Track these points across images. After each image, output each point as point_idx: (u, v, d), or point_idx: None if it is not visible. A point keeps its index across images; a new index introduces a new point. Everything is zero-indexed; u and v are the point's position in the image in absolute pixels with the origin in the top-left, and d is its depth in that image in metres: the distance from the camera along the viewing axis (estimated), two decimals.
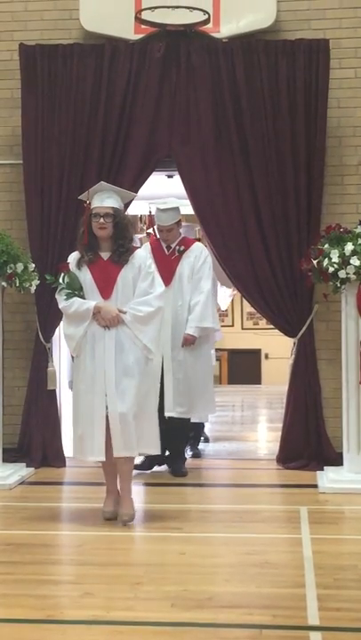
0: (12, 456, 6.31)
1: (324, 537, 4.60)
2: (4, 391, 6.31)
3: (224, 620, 3.37)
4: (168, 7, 6.40)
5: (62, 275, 4.92)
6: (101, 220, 4.88)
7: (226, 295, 8.44)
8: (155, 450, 4.97)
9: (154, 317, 4.88)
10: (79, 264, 4.94)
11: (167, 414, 5.97)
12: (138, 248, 5.00)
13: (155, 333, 4.90)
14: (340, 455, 6.01)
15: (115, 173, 6.52)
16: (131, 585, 3.77)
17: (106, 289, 4.88)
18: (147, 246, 6.27)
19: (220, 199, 6.53)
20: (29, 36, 6.78)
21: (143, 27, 6.53)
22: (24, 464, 6.28)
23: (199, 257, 6.20)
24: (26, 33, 6.81)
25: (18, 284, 5.95)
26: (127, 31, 6.60)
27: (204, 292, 6.12)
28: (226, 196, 6.52)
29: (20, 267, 5.91)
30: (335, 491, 5.58)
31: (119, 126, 6.54)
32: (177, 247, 6.21)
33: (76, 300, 4.86)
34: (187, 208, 6.68)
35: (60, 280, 4.91)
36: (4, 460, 6.13)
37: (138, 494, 5.60)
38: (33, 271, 6.15)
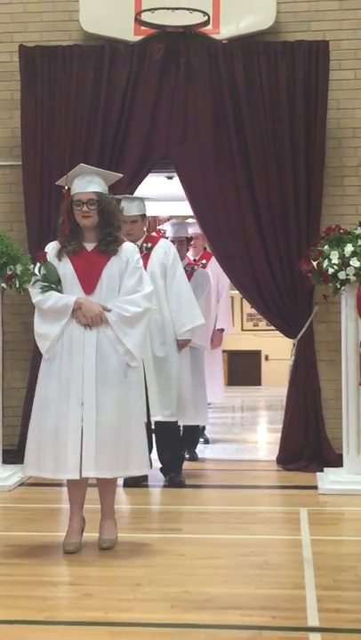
0: (11, 457, 6.30)
1: (324, 538, 4.59)
2: (4, 392, 6.31)
3: (224, 621, 3.37)
4: (168, 9, 6.40)
5: (38, 265, 4.39)
6: (84, 207, 4.31)
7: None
8: (140, 470, 4.44)
9: (141, 319, 4.33)
10: (59, 254, 4.38)
11: (153, 419, 5.73)
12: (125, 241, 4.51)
13: (140, 338, 4.35)
14: (340, 456, 6.01)
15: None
16: (130, 586, 3.77)
17: (89, 283, 4.31)
18: None
19: (219, 200, 6.53)
20: (29, 37, 6.78)
21: (143, 28, 6.53)
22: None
23: (168, 252, 5.84)
24: (25, 34, 6.82)
25: (17, 286, 5.94)
26: (127, 32, 6.60)
27: (184, 290, 5.83)
28: (225, 197, 6.52)
29: (19, 268, 5.91)
30: (335, 492, 5.57)
31: (118, 127, 6.55)
32: (144, 244, 5.81)
33: (53, 294, 4.30)
34: (185, 209, 6.68)
35: (36, 271, 4.38)
36: (4, 462, 6.13)
37: (137, 495, 5.60)
38: (32, 267, 6.13)
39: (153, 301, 4.53)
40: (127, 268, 4.35)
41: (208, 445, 7.61)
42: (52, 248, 4.43)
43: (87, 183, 4.35)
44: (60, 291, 4.33)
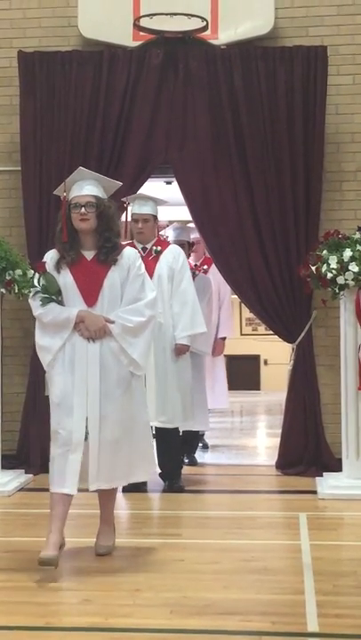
0: (10, 462, 6.30)
1: (324, 543, 4.59)
2: (3, 397, 6.31)
3: (223, 626, 3.36)
4: (166, 14, 6.41)
5: (37, 276, 4.25)
6: (82, 209, 4.16)
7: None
8: (146, 475, 4.55)
9: (145, 328, 4.22)
10: (58, 265, 4.22)
11: (150, 424, 5.60)
12: (126, 245, 4.41)
13: (145, 347, 4.25)
14: (340, 461, 6.01)
15: (111, 178, 6.50)
16: (130, 592, 3.76)
17: (90, 294, 4.18)
18: None
19: (217, 205, 6.54)
20: (28, 42, 6.80)
21: (141, 34, 6.55)
22: (23, 470, 6.27)
23: (177, 257, 5.87)
24: (24, 40, 6.83)
25: (17, 291, 5.95)
26: (125, 38, 6.61)
27: (190, 297, 5.84)
28: (224, 202, 6.53)
29: (18, 273, 5.91)
30: (334, 497, 5.57)
31: (117, 132, 6.56)
32: (153, 248, 5.87)
33: (54, 306, 4.18)
34: (184, 213, 6.68)
35: (35, 282, 4.25)
36: (3, 467, 6.12)
37: (137, 500, 5.60)
38: (32, 278, 6.13)
39: (157, 307, 4.43)
40: (128, 275, 4.22)
41: (207, 450, 7.61)
42: (50, 258, 4.28)
43: (85, 186, 4.23)
44: (60, 302, 4.20)
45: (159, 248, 5.91)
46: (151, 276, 5.76)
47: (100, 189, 4.27)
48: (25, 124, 6.65)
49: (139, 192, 6.08)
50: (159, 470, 5.94)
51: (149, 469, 4.44)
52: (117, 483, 4.28)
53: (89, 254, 4.23)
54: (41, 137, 6.62)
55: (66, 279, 4.21)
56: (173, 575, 4.01)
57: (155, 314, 4.35)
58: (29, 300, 4.32)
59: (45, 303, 4.18)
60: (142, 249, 5.89)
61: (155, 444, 5.89)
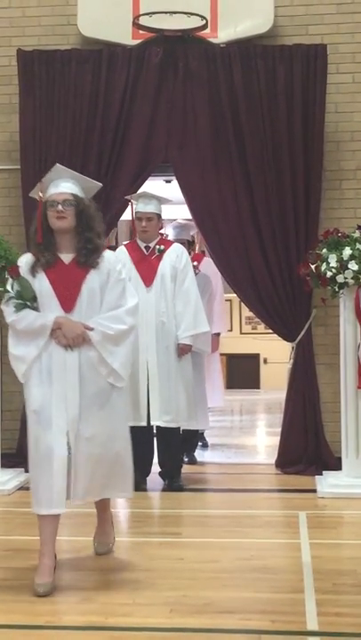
0: (10, 461, 6.30)
1: (323, 542, 4.59)
2: (3, 396, 6.31)
3: (223, 625, 3.37)
4: (166, 13, 6.41)
5: (10, 281, 3.95)
6: (59, 207, 3.87)
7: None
8: (123, 493, 4.22)
9: (126, 337, 3.95)
10: (33, 269, 3.92)
11: (153, 423, 5.72)
12: (112, 248, 4.24)
13: (127, 357, 3.98)
14: (339, 460, 6.01)
15: (111, 178, 6.54)
16: (129, 590, 3.77)
17: (68, 299, 3.88)
18: (122, 249, 5.99)
19: (217, 204, 6.54)
20: (27, 41, 6.79)
21: (141, 32, 6.55)
22: (23, 469, 6.27)
23: (181, 256, 5.84)
24: (24, 38, 6.83)
25: None
26: (125, 37, 6.61)
27: (192, 296, 5.83)
28: (223, 201, 6.53)
29: None
30: (334, 495, 5.57)
31: (116, 131, 6.55)
32: (157, 247, 5.86)
33: (29, 312, 3.87)
34: (183, 212, 6.68)
35: (9, 287, 3.93)
36: (3, 466, 6.13)
37: (136, 499, 5.59)
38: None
39: (137, 315, 4.14)
40: (109, 280, 3.94)
41: (207, 449, 7.61)
42: (24, 262, 3.98)
43: (63, 185, 3.95)
44: (35, 308, 3.90)
45: (162, 247, 5.90)
46: (154, 274, 5.81)
47: (79, 189, 3.99)
48: (24, 123, 6.64)
49: (143, 190, 6.07)
50: (159, 469, 5.96)
51: (127, 488, 4.12)
52: (92, 497, 4.04)
53: (67, 257, 3.94)
54: (40, 136, 6.61)
55: (42, 283, 3.91)
56: (173, 574, 4.01)
57: (136, 323, 4.07)
58: (2, 306, 4.01)
59: (19, 309, 3.89)
60: (145, 247, 5.90)
61: (155, 442, 5.92)
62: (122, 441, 4.04)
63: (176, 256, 5.87)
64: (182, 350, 5.81)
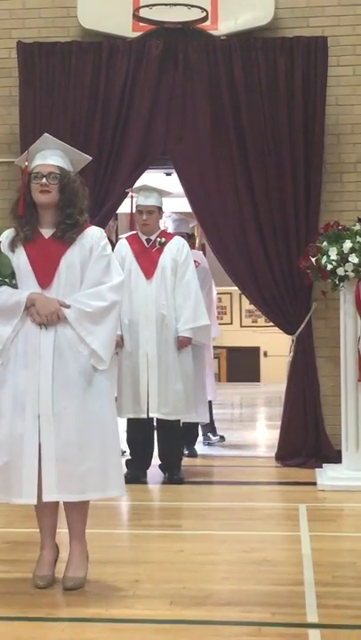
0: None
1: (323, 534, 4.60)
2: None
3: (223, 617, 3.37)
4: (166, 5, 6.40)
5: None
6: (43, 180, 3.66)
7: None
8: (115, 491, 3.72)
9: (107, 315, 3.67)
10: (13, 244, 3.71)
11: (151, 415, 5.72)
12: (93, 226, 3.83)
13: (108, 337, 3.67)
14: (339, 452, 6.02)
15: (111, 170, 6.54)
16: (129, 583, 3.77)
17: (45, 275, 3.66)
18: (123, 242, 6.00)
19: (217, 196, 6.53)
20: (27, 33, 6.78)
21: (141, 24, 6.54)
22: None
23: (181, 249, 5.85)
24: (24, 30, 6.82)
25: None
26: (125, 29, 6.60)
27: (193, 289, 5.83)
28: (223, 194, 6.52)
29: None
30: (334, 488, 5.58)
31: (116, 123, 6.55)
32: (158, 239, 5.87)
33: (5, 289, 3.65)
34: (183, 205, 6.67)
35: None
36: None
37: (136, 492, 5.61)
38: None
39: (122, 293, 3.84)
40: (91, 256, 3.69)
41: (212, 445, 7.47)
42: (5, 237, 3.77)
43: (50, 156, 3.74)
44: (14, 285, 3.69)
45: (163, 240, 5.90)
46: (155, 267, 5.81)
47: (67, 161, 3.78)
48: (24, 115, 6.63)
49: (143, 183, 6.07)
50: (159, 462, 5.96)
51: (117, 485, 3.70)
52: (78, 496, 3.61)
53: (47, 232, 3.72)
54: (40, 128, 6.57)
55: (20, 258, 3.69)
56: (173, 566, 4.02)
57: (119, 299, 3.78)
58: None
59: None
60: (146, 240, 5.90)
61: (155, 435, 5.92)
62: (106, 430, 3.67)
63: (177, 249, 5.86)
64: (182, 343, 5.80)
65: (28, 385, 3.59)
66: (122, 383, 5.84)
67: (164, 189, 5.98)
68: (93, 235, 3.74)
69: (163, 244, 5.87)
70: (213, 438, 7.51)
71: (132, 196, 5.95)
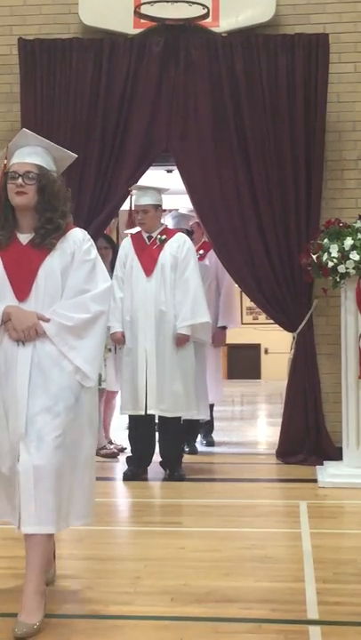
0: None
1: (324, 531, 4.60)
2: None
3: (223, 614, 3.38)
4: (167, 2, 6.39)
5: None
6: (19, 180, 3.33)
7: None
8: (80, 520, 3.40)
9: (91, 327, 3.33)
10: None
11: (149, 411, 5.72)
12: (76, 228, 3.50)
13: (93, 351, 3.34)
14: (340, 450, 6.02)
15: (113, 167, 6.54)
16: (130, 579, 3.78)
17: (22, 286, 3.32)
18: (128, 240, 6.03)
19: (218, 193, 6.53)
20: (28, 30, 6.77)
21: (142, 21, 6.53)
22: None
23: (182, 246, 5.84)
24: (25, 27, 6.81)
25: None
26: (126, 26, 6.59)
27: (192, 285, 5.80)
28: (224, 191, 6.52)
29: None
30: (335, 485, 5.58)
31: (118, 120, 6.54)
32: (158, 236, 5.88)
33: None
34: (185, 202, 6.67)
35: None
36: None
37: (137, 489, 5.61)
38: None
39: (109, 301, 3.47)
40: (73, 262, 3.36)
41: (212, 446, 7.42)
42: None
43: (28, 154, 3.42)
44: None
45: (164, 237, 5.91)
46: (154, 264, 5.81)
47: (48, 160, 3.45)
48: (25, 112, 6.63)
49: (138, 183, 6.08)
50: (160, 459, 5.97)
51: (86, 513, 3.41)
52: (51, 528, 3.24)
53: (25, 237, 3.39)
54: (41, 125, 6.59)
55: None
56: (174, 563, 4.02)
57: (105, 309, 3.40)
58: None
59: None
60: (147, 237, 5.92)
61: (157, 432, 5.93)
62: (86, 455, 3.37)
63: (177, 246, 5.87)
64: (180, 340, 5.81)
65: (5, 403, 3.30)
66: (122, 380, 5.90)
67: (160, 187, 5.99)
68: (75, 238, 3.40)
69: (163, 241, 5.89)
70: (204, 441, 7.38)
71: (131, 195, 5.97)
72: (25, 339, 3.29)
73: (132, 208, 5.94)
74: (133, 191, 5.96)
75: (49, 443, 3.22)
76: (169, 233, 6.00)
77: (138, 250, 5.90)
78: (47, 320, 3.30)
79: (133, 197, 5.92)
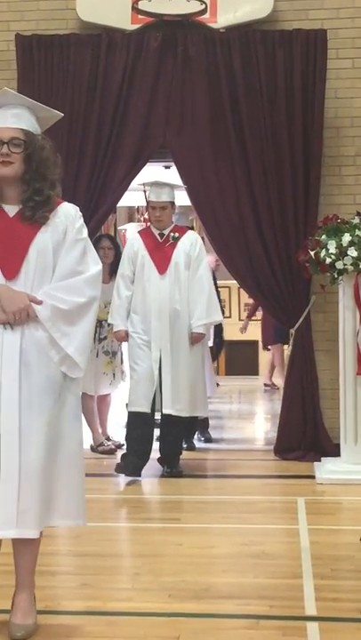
0: None
1: (322, 527, 4.61)
2: None
3: (221, 610, 3.38)
4: None
5: None
6: (4, 148, 3.02)
7: None
8: (72, 521, 3.19)
9: (85, 313, 3.10)
10: None
11: (165, 411, 5.72)
12: (66, 202, 3.21)
13: (85, 340, 3.11)
14: (338, 446, 6.02)
15: (110, 163, 6.53)
16: (128, 576, 3.78)
17: (10, 263, 3.03)
18: (136, 237, 6.02)
19: (216, 189, 6.52)
20: (26, 26, 6.76)
21: (140, 17, 6.51)
22: None
23: (195, 244, 5.87)
24: (22, 23, 6.79)
25: None
26: (124, 21, 6.58)
27: (206, 284, 5.85)
28: (222, 186, 6.51)
29: None
30: (332, 481, 5.59)
31: (115, 116, 6.53)
32: (171, 234, 5.89)
33: None
34: (182, 198, 6.66)
35: None
36: None
37: (135, 485, 5.61)
38: None
39: (100, 286, 3.20)
40: (65, 239, 3.09)
41: (210, 443, 7.42)
42: None
43: (11, 116, 3.08)
44: None
45: (177, 235, 5.91)
46: (168, 262, 5.82)
47: (34, 122, 3.16)
48: None
49: (155, 179, 6.03)
50: (158, 455, 5.97)
51: (78, 514, 3.16)
52: (34, 532, 3.04)
53: (11, 209, 3.09)
54: None
55: None
56: (172, 559, 4.03)
57: (97, 294, 3.16)
58: None
59: None
60: (160, 235, 5.92)
61: (157, 429, 5.92)
62: (72, 451, 3.13)
63: (190, 244, 5.89)
64: (195, 339, 5.83)
65: None
66: (133, 378, 5.81)
67: (176, 184, 6.02)
68: (68, 213, 3.13)
69: (176, 239, 5.89)
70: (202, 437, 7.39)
71: (144, 190, 5.95)
72: (14, 322, 3.01)
73: (148, 204, 5.93)
74: (149, 187, 5.93)
75: (36, 440, 2.99)
76: (180, 231, 6.01)
77: (150, 247, 5.88)
78: (39, 302, 3.03)
79: (150, 194, 5.89)
